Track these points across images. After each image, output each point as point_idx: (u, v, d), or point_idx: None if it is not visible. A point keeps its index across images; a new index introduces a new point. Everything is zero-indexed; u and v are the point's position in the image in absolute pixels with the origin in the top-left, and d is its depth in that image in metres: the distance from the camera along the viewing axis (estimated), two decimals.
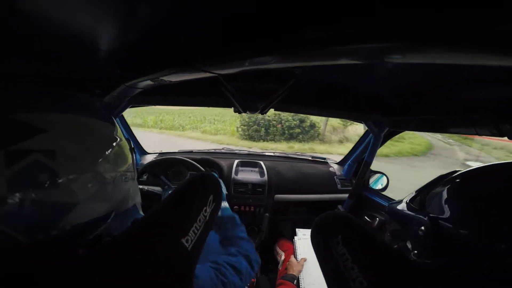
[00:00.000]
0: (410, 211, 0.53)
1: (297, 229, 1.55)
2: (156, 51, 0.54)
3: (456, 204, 0.42)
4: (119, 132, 0.46)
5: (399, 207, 0.58)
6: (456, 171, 0.48)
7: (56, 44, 0.47)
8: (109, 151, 0.40)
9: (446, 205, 0.43)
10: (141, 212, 0.53)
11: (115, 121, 0.47)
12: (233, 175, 1.64)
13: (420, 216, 0.48)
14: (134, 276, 0.30)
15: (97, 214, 0.37)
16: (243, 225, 0.82)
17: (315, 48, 0.32)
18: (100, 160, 0.38)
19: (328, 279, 0.33)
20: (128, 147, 0.48)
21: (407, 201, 0.57)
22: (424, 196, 0.51)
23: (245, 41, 0.39)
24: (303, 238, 1.48)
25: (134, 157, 0.51)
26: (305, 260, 1.30)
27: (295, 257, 1.35)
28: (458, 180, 0.45)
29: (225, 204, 0.86)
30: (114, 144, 0.42)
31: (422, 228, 0.46)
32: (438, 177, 0.53)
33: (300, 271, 1.23)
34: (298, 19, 0.32)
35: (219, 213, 0.81)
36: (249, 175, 1.69)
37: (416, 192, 0.57)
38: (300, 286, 1.19)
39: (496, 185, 0.38)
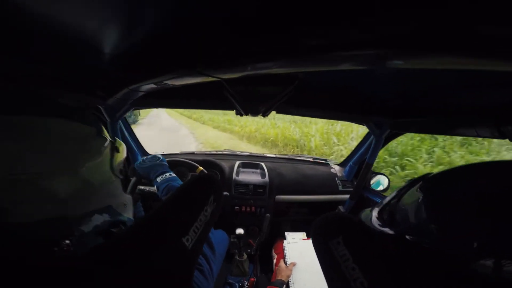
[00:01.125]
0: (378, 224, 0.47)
1: (286, 233, 1.54)
2: (159, 55, 0.55)
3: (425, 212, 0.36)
4: (105, 133, 0.46)
5: (369, 217, 0.51)
6: (428, 174, 0.43)
7: (58, 45, 0.47)
8: (73, 151, 0.38)
9: (415, 215, 0.37)
10: (127, 215, 0.52)
11: (98, 122, 0.47)
12: (234, 176, 1.64)
13: (386, 229, 0.42)
14: (134, 275, 0.31)
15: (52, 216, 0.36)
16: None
17: (316, 53, 0.32)
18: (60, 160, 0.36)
19: (329, 280, 0.33)
20: (110, 148, 0.47)
21: (376, 214, 0.49)
22: (393, 207, 0.45)
23: (247, 46, 0.40)
24: (292, 242, 1.46)
25: (120, 157, 0.50)
26: (294, 264, 1.28)
27: (285, 261, 1.34)
28: (429, 184, 0.40)
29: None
30: (84, 144, 0.40)
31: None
32: (407, 183, 0.47)
33: (289, 276, 1.21)
34: (299, 25, 0.32)
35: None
36: (250, 176, 1.69)
37: (384, 202, 0.51)
38: None
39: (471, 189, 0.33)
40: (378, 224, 0.45)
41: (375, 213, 0.49)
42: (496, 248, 0.26)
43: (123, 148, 0.56)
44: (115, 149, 0.49)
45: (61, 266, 0.29)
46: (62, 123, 0.39)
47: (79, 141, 0.40)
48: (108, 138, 0.47)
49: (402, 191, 0.44)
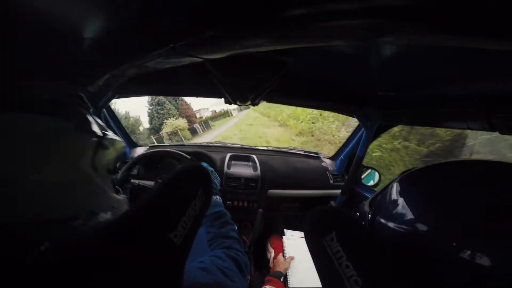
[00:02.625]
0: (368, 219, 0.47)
1: (285, 230, 1.55)
2: (139, 35, 0.52)
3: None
4: (91, 128, 0.42)
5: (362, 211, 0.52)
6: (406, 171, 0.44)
7: (33, 32, 0.43)
8: (34, 149, 0.34)
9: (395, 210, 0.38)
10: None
11: (78, 115, 0.43)
12: (225, 169, 1.62)
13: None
14: (118, 275, 0.28)
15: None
16: (234, 224, 0.78)
17: (305, 25, 0.30)
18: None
19: (322, 277, 0.32)
20: (95, 144, 0.42)
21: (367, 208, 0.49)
22: (378, 202, 0.45)
23: (231, 22, 0.37)
24: (291, 238, 1.49)
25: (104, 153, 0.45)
26: (292, 258, 1.30)
27: (283, 255, 1.36)
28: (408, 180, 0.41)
29: (216, 198, 0.82)
30: (51, 141, 0.36)
31: None
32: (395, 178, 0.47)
33: (286, 269, 1.24)
34: None
35: (210, 209, 0.76)
36: (242, 169, 1.67)
37: (373, 196, 0.52)
38: (288, 284, 1.19)
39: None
40: (368, 219, 0.46)
41: (366, 207, 0.50)
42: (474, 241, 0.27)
43: (115, 145, 0.51)
44: (101, 146, 0.44)
45: (40, 265, 0.27)
46: (24, 118, 0.34)
47: (44, 138, 0.35)
48: (96, 133, 0.43)
49: (387, 187, 0.45)
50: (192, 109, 33.68)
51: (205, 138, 20.37)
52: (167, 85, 1.01)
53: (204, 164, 1.03)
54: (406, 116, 0.96)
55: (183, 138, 23.11)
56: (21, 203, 0.31)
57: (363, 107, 1.13)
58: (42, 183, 0.33)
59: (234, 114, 33.50)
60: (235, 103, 0.81)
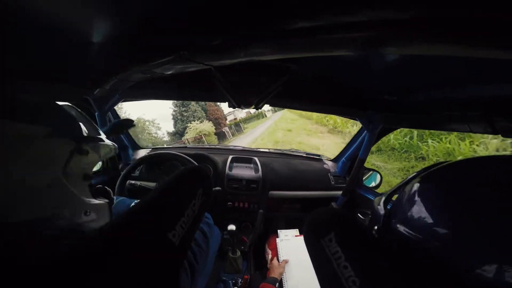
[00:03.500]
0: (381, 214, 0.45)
1: (278, 230, 1.56)
2: (147, 41, 0.53)
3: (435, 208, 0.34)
4: (72, 133, 0.43)
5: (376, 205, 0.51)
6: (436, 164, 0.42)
7: (43, 36, 0.44)
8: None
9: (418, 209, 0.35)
10: (92, 224, 0.48)
11: (59, 120, 0.43)
12: (227, 170, 1.63)
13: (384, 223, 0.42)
14: (118, 274, 0.29)
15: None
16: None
17: (307, 37, 0.31)
18: None
19: (321, 277, 0.32)
20: (71, 150, 0.43)
21: (382, 204, 0.48)
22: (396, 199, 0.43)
23: (237, 30, 0.38)
24: (285, 239, 1.48)
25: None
26: (286, 262, 1.30)
27: (278, 258, 1.35)
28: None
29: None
30: (20, 146, 0.36)
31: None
32: (414, 174, 0.45)
33: (281, 274, 1.23)
34: (291, 8, 0.31)
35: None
36: (243, 171, 1.68)
37: (390, 191, 0.50)
38: None
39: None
40: (381, 215, 0.44)
41: (381, 202, 0.49)
42: (499, 254, 0.26)
43: (99, 150, 0.51)
44: (78, 151, 0.45)
45: (41, 264, 0.27)
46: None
47: (11, 143, 0.35)
48: (76, 138, 0.44)
49: (406, 183, 0.42)
50: (222, 110, 27.72)
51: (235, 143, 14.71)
52: (170, 89, 1.02)
53: None
54: (408, 120, 0.96)
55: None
56: None
57: (366, 110, 1.14)
58: (7, 184, 0.34)
59: (268, 116, 29.60)
60: (239, 107, 0.82)
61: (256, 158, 1.76)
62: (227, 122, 27.83)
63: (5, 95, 0.39)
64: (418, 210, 0.35)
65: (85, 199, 0.47)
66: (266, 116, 29.60)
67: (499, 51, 0.27)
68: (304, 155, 2.01)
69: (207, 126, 23.26)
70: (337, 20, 0.29)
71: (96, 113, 1.06)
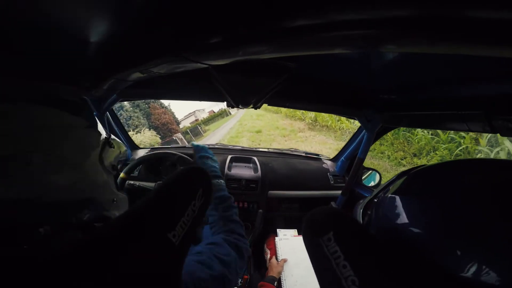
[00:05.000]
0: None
1: (277, 230, 1.55)
2: (144, 41, 0.53)
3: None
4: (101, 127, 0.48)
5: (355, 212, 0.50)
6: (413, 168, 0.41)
7: (39, 35, 0.44)
8: (55, 137, 0.40)
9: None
10: (116, 211, 0.51)
11: (91, 115, 0.49)
12: (226, 170, 1.62)
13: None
14: (117, 274, 0.29)
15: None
16: (237, 208, 0.78)
17: (305, 35, 0.31)
18: None
19: (320, 277, 0.32)
20: (103, 142, 0.49)
21: (360, 210, 0.48)
22: (376, 203, 0.42)
23: (234, 29, 0.38)
24: (283, 238, 1.49)
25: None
26: (285, 261, 1.30)
27: (276, 258, 1.36)
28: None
29: (220, 182, 0.81)
30: (70, 133, 0.42)
31: None
32: (394, 177, 0.44)
33: (280, 272, 1.23)
34: (290, 6, 0.31)
35: (214, 193, 0.76)
36: (242, 171, 1.67)
37: (370, 196, 0.49)
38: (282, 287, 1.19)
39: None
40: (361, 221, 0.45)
41: (359, 209, 0.49)
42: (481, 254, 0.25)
43: (119, 146, 0.56)
44: (108, 144, 0.50)
45: (42, 262, 0.27)
46: (47, 112, 0.40)
47: (63, 130, 0.41)
48: (104, 132, 0.49)
49: (387, 187, 0.42)
50: (170, 113, 18.88)
51: None
52: (169, 88, 1.01)
53: (194, 144, 0.98)
54: (407, 119, 0.96)
55: None
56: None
57: (364, 109, 1.14)
58: (57, 160, 0.38)
59: (233, 113, 22.69)
60: (237, 107, 0.82)
61: (255, 158, 1.75)
62: (183, 126, 21.10)
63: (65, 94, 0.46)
64: (398, 211, 0.35)
65: (113, 189, 0.52)
66: (230, 114, 23.70)
67: (499, 49, 0.27)
68: (303, 154, 2.01)
69: (147, 137, 14.79)
70: (337, 18, 0.28)
71: (95, 113, 1.05)
